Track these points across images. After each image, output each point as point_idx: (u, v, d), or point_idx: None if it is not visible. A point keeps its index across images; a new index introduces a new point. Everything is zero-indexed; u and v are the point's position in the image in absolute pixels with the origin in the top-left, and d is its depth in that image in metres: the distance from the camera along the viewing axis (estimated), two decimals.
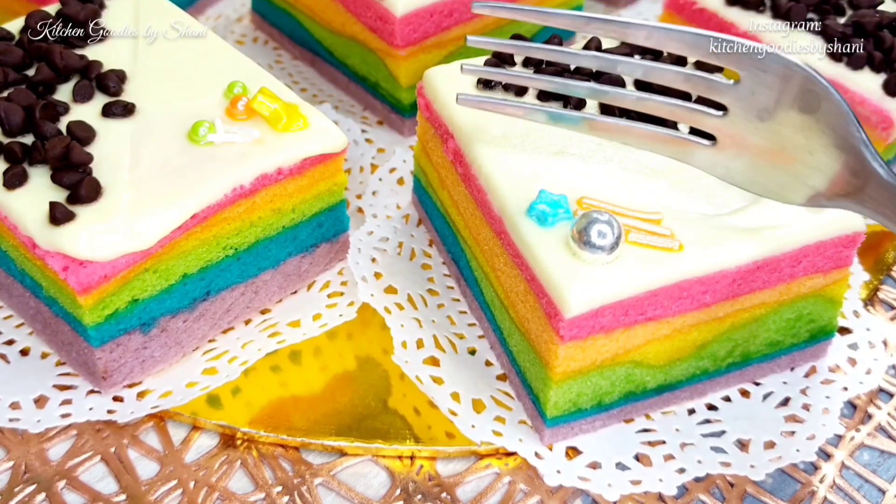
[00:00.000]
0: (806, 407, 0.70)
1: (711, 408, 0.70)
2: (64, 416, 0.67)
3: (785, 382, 0.72)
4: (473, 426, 0.67)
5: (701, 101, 0.64)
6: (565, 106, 0.71)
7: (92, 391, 0.69)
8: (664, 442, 0.68)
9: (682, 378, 0.69)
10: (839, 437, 0.70)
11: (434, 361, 0.72)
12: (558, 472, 0.65)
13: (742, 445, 0.68)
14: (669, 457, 0.67)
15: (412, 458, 0.68)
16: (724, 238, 0.64)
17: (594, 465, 0.66)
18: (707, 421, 0.69)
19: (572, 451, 0.67)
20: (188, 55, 0.76)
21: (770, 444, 0.68)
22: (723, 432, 0.68)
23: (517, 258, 0.65)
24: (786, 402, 0.71)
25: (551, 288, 0.61)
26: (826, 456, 0.69)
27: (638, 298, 0.62)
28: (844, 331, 0.75)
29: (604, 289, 0.60)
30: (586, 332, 0.62)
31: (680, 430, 0.68)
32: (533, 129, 0.70)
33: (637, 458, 0.67)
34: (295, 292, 0.77)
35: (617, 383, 0.66)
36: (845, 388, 0.71)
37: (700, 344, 0.68)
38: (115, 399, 0.68)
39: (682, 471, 0.66)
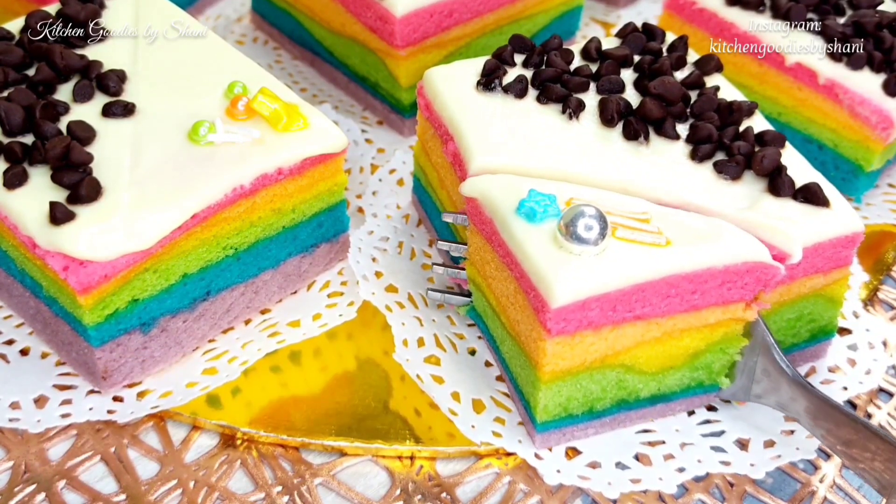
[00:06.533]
0: None
1: (711, 409, 0.70)
2: (64, 416, 0.67)
3: None
4: (473, 426, 0.67)
5: None
6: (564, 111, 0.71)
7: (92, 391, 0.69)
8: (664, 442, 0.68)
9: (676, 389, 0.69)
10: None
11: (435, 360, 0.72)
12: (558, 471, 0.65)
13: (742, 445, 0.68)
14: (669, 456, 0.67)
15: (412, 458, 0.68)
16: (712, 237, 0.64)
17: (594, 465, 0.66)
18: (706, 421, 0.69)
19: (572, 451, 0.67)
20: (188, 55, 0.76)
21: (770, 443, 0.68)
22: (722, 432, 0.68)
23: (506, 257, 0.65)
24: None
25: (538, 280, 0.61)
26: (826, 456, 0.69)
27: (625, 292, 0.62)
28: (844, 331, 0.75)
29: (590, 279, 0.60)
30: (574, 327, 0.62)
31: (679, 431, 0.69)
32: (531, 137, 0.70)
33: (637, 458, 0.67)
34: (295, 292, 0.77)
35: (608, 389, 0.66)
36: (845, 388, 0.71)
37: (693, 353, 0.68)
38: (115, 399, 0.68)
39: (681, 470, 0.66)
